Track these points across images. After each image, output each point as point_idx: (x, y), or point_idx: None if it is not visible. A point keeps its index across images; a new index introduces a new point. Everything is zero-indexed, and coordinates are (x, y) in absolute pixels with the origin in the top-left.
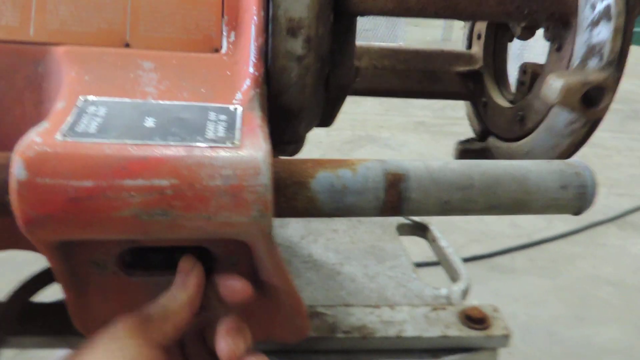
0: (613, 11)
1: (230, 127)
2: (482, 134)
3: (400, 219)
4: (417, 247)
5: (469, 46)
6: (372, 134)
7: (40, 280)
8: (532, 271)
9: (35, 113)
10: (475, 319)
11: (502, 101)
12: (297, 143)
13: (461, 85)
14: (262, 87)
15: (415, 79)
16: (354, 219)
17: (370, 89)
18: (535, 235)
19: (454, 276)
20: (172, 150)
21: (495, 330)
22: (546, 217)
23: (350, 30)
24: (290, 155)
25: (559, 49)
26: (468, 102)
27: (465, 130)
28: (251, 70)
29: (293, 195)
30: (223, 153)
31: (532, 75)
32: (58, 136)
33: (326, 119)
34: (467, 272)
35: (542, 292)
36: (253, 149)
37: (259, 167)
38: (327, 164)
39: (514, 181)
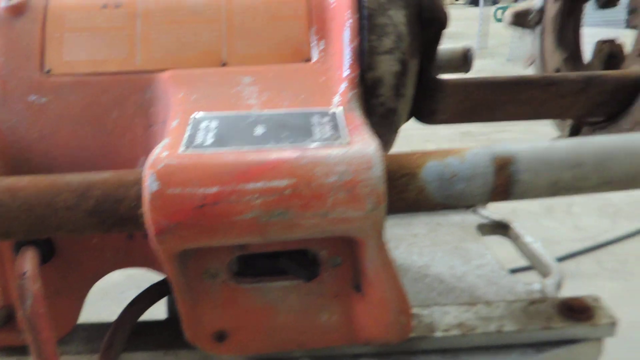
0: None
1: (335, 127)
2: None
3: (480, 220)
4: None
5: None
6: (419, 149)
7: (147, 299)
8: (601, 274)
9: (145, 136)
10: (577, 310)
11: None
12: (390, 140)
13: None
14: (358, 88)
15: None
16: (433, 222)
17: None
18: (600, 236)
19: (544, 271)
20: (287, 152)
21: (601, 320)
22: (610, 217)
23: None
24: None
25: None
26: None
27: (513, 136)
28: (346, 73)
29: (403, 186)
30: (335, 151)
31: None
32: (181, 149)
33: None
34: (558, 266)
35: (613, 295)
36: (363, 144)
37: (371, 161)
38: (434, 154)
39: (628, 154)
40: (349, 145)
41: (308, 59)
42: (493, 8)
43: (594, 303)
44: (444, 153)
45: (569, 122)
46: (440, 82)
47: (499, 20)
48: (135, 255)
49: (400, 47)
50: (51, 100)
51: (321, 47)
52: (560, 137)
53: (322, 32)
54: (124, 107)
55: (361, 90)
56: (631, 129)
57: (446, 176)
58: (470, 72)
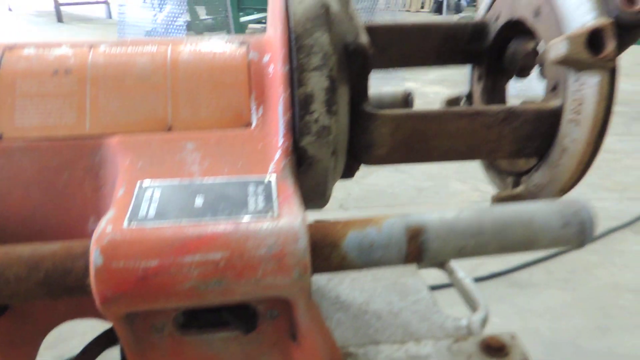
0: None
1: (268, 197)
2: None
3: None
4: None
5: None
6: None
7: (100, 344)
8: (551, 284)
9: (95, 198)
10: (494, 348)
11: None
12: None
13: None
14: (292, 156)
15: None
16: None
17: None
18: None
19: (473, 305)
20: (222, 226)
21: (515, 357)
22: None
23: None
24: (319, 208)
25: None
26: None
27: None
28: (280, 142)
29: (327, 255)
30: (266, 224)
31: None
32: (125, 223)
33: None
34: (486, 302)
35: (563, 304)
36: (290, 217)
37: (297, 234)
38: (355, 224)
39: (521, 224)
40: (278, 218)
41: (248, 124)
42: (456, 17)
43: (510, 341)
44: (364, 222)
45: (509, 179)
46: (371, 113)
47: None
48: (87, 307)
49: (328, 64)
50: (3, 165)
51: (260, 114)
52: (500, 193)
53: (261, 99)
54: (74, 170)
55: (295, 158)
56: (560, 158)
57: (365, 246)
58: (434, 81)
